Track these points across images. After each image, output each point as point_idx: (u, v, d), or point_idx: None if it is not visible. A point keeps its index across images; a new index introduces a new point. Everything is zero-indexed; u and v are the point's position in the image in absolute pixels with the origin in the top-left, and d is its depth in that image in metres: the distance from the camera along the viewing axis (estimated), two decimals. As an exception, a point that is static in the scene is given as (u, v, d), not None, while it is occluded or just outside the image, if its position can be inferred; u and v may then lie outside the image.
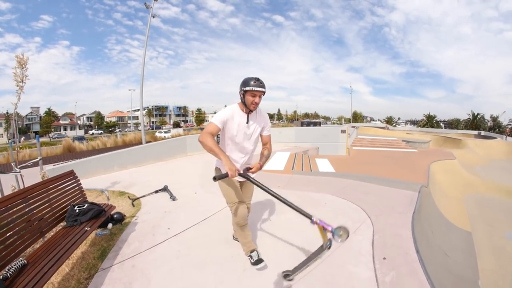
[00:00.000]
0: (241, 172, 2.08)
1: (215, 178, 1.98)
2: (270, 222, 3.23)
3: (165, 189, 4.50)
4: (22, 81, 3.70)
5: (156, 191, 4.46)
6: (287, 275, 1.84)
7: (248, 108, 2.07)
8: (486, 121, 45.06)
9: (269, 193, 1.94)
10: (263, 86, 2.01)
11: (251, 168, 2.17)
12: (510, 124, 38.68)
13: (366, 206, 3.62)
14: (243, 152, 2.27)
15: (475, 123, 44.36)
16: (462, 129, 39.63)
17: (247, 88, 1.98)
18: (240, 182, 2.35)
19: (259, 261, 2.24)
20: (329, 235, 1.76)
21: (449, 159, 9.18)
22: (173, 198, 4.13)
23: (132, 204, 3.92)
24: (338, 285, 2.05)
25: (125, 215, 3.40)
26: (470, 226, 5.07)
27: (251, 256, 2.28)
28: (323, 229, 1.78)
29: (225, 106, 2.14)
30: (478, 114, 45.67)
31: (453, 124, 54.05)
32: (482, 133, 24.99)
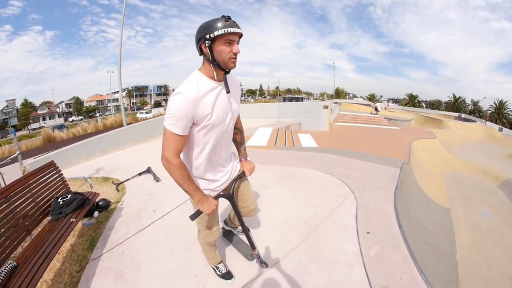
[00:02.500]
0: (226, 194, 1.61)
1: (192, 217, 1.42)
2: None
3: (148, 170, 4.44)
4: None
5: (140, 174, 4.39)
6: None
7: (224, 68, 1.28)
8: (467, 104, 46.17)
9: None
10: (239, 26, 1.24)
11: (244, 174, 1.70)
12: (490, 110, 39.38)
13: (349, 181, 3.67)
14: (228, 150, 1.57)
15: (456, 106, 45.25)
16: (443, 110, 40.72)
17: (217, 33, 1.17)
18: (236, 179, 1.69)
19: (229, 275, 1.95)
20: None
21: (430, 138, 9.47)
22: (157, 179, 4.09)
23: (117, 189, 3.84)
24: (324, 259, 2.11)
25: (110, 201, 3.33)
26: (449, 203, 5.32)
27: (217, 267, 1.96)
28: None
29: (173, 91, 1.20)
30: (459, 97, 46.46)
31: (434, 104, 55.24)
32: (463, 115, 25.74)
